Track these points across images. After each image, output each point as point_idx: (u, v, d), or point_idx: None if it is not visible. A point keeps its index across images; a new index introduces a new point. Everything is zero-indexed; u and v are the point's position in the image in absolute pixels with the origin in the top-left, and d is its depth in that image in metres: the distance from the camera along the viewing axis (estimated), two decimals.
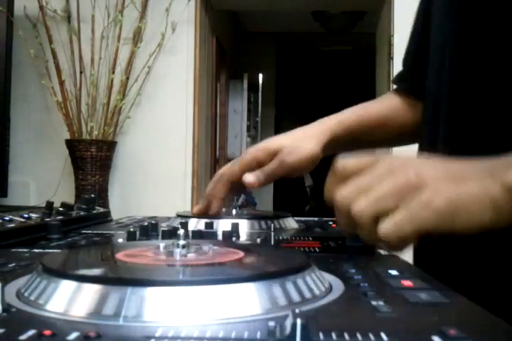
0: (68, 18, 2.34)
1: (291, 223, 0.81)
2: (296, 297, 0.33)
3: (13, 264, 0.46)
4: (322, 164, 0.78)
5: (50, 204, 0.79)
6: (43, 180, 2.46)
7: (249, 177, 0.67)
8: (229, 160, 4.00)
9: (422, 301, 0.34)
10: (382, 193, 0.40)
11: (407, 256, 0.56)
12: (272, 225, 0.63)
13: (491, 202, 0.39)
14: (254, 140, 4.31)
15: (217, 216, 0.70)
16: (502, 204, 0.38)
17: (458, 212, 0.39)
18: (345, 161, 0.44)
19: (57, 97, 2.27)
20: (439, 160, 0.43)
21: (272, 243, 0.61)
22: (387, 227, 0.39)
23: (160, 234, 0.64)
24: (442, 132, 0.60)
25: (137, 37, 2.36)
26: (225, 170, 0.71)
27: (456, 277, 0.51)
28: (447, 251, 0.56)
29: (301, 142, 0.69)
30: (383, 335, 0.27)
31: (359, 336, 0.27)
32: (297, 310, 0.26)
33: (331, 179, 0.44)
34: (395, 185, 0.40)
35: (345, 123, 0.73)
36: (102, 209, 0.96)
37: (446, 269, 0.54)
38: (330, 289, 0.37)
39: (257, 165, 0.69)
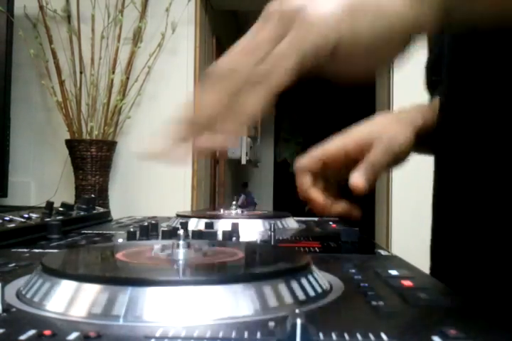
0: (68, 18, 2.34)
1: (291, 223, 0.82)
2: (296, 297, 0.33)
3: (13, 264, 0.46)
4: None
5: (50, 204, 0.79)
6: (43, 180, 2.46)
7: (358, 179, 0.54)
8: (229, 160, 4.01)
9: (422, 301, 0.34)
10: (257, 41, 0.37)
11: (424, 266, 0.52)
12: (272, 225, 0.63)
13: None
14: (254, 140, 4.31)
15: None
16: None
17: (358, 14, 0.34)
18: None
19: (57, 97, 2.27)
20: None
21: (272, 243, 0.61)
22: (260, 69, 0.35)
23: (160, 234, 0.64)
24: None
25: (137, 37, 2.36)
26: (306, 163, 0.60)
27: (475, 286, 0.48)
28: (465, 260, 0.51)
29: (395, 129, 0.59)
30: (383, 335, 0.27)
31: (359, 336, 0.27)
32: (297, 310, 0.26)
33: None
34: (270, 26, 0.36)
35: (427, 119, 0.62)
36: (102, 209, 0.96)
37: (464, 279, 0.50)
38: (330, 289, 0.37)
39: (345, 158, 0.58)
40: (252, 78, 0.35)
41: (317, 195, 0.59)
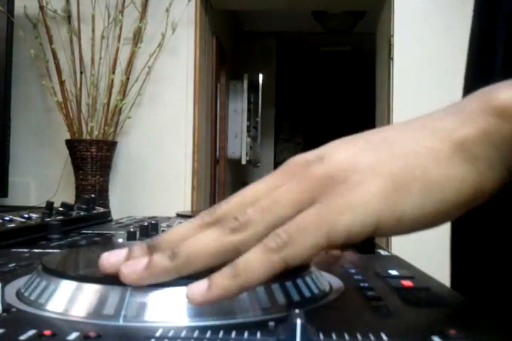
0: (68, 18, 2.34)
1: None
2: (296, 297, 0.33)
3: (13, 264, 0.46)
4: None
5: (50, 204, 0.79)
6: (43, 180, 2.46)
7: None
8: (229, 160, 4.01)
9: (422, 301, 0.34)
10: (278, 197, 0.30)
11: (425, 266, 0.52)
12: None
13: (462, 151, 0.28)
14: (254, 140, 4.31)
15: None
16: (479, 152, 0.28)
17: (404, 194, 0.28)
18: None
19: (58, 97, 2.27)
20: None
21: None
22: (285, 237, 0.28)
23: (160, 234, 0.64)
24: None
25: (137, 37, 2.36)
26: None
27: (497, 299, 0.45)
28: (487, 273, 0.49)
29: None
30: (383, 335, 0.27)
31: (359, 336, 0.27)
32: (297, 310, 0.26)
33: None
34: (300, 185, 0.30)
35: None
36: (102, 209, 0.96)
37: (486, 292, 0.48)
38: (330, 289, 0.37)
39: None
40: (266, 241, 0.29)
41: None
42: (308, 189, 0.29)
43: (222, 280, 0.29)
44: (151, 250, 0.31)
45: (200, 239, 0.30)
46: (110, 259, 0.32)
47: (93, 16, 2.31)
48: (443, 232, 0.57)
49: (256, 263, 0.29)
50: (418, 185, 0.28)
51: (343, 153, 0.30)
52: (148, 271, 0.30)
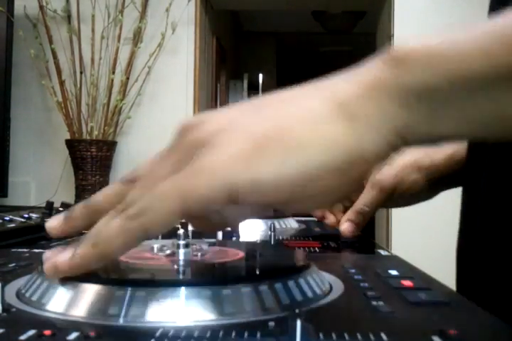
0: (68, 18, 2.34)
1: (291, 223, 0.81)
2: (296, 297, 0.33)
3: (13, 264, 0.46)
4: None
5: (50, 204, 0.79)
6: (43, 180, 2.46)
7: (347, 229, 0.63)
8: None
9: (422, 301, 0.34)
10: (155, 173, 0.30)
11: (425, 266, 0.52)
12: (272, 225, 0.63)
13: (344, 109, 0.25)
14: None
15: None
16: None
17: (267, 156, 0.25)
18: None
19: (58, 97, 2.27)
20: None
21: (272, 243, 0.61)
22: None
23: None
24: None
25: (137, 37, 2.36)
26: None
27: (503, 303, 0.45)
28: (492, 276, 0.49)
29: (388, 171, 0.64)
30: (383, 335, 0.27)
31: (359, 336, 0.27)
32: (297, 310, 0.26)
33: None
34: (172, 155, 0.30)
35: (435, 159, 0.63)
36: None
37: (491, 296, 0.48)
38: (330, 289, 0.37)
39: None
40: (125, 209, 0.29)
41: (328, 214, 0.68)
42: (178, 157, 0.29)
43: (83, 250, 0.30)
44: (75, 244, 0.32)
45: (110, 227, 0.29)
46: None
47: (93, 16, 2.31)
48: (443, 233, 0.57)
49: (114, 231, 0.29)
50: (280, 146, 0.25)
51: (221, 117, 0.29)
52: (72, 260, 0.31)
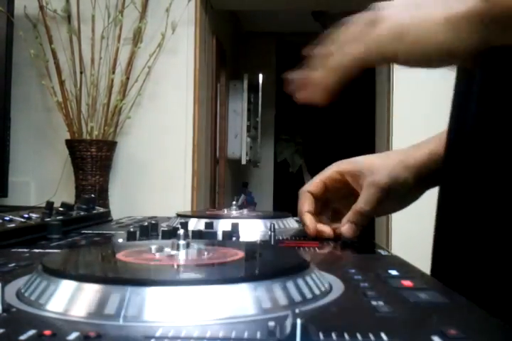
0: (68, 18, 2.34)
1: (291, 223, 0.81)
2: (296, 297, 0.33)
3: (13, 264, 0.46)
4: (322, 163, 0.78)
5: (50, 204, 0.79)
6: (43, 180, 2.46)
7: (348, 230, 0.65)
8: (229, 160, 4.01)
9: (422, 301, 0.34)
10: (344, 39, 0.47)
11: (425, 266, 0.54)
12: (272, 225, 0.63)
13: (447, 20, 0.40)
14: (254, 140, 4.31)
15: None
16: (468, 21, 0.40)
17: (403, 34, 0.42)
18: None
19: (58, 97, 2.27)
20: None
21: (272, 243, 0.61)
22: (333, 60, 0.47)
23: (160, 234, 0.64)
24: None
25: (137, 37, 2.36)
26: (308, 186, 0.70)
27: (476, 288, 0.49)
28: (466, 261, 0.53)
29: (382, 171, 0.66)
30: (383, 335, 0.27)
31: (359, 336, 0.27)
32: (297, 310, 0.26)
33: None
34: (355, 28, 0.47)
35: (418, 157, 0.67)
36: (102, 209, 0.96)
37: (465, 280, 0.51)
38: (330, 289, 0.37)
39: (342, 181, 0.68)
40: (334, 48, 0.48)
41: (309, 220, 0.68)
42: (354, 33, 0.47)
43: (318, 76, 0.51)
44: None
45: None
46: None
47: (93, 16, 2.31)
48: None
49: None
50: (412, 37, 0.42)
51: (385, 12, 0.46)
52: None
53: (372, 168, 0.65)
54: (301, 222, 0.70)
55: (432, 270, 0.61)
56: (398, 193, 0.65)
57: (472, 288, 0.48)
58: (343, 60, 0.47)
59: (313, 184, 0.70)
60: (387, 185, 0.64)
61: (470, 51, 0.41)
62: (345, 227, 0.65)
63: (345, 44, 0.46)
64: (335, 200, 0.72)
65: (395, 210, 0.71)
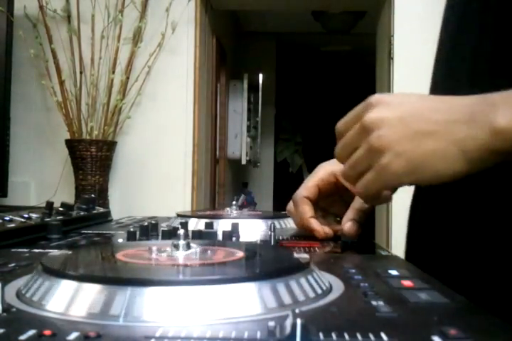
0: (68, 18, 2.34)
1: (291, 223, 0.81)
2: (296, 297, 0.33)
3: (13, 264, 0.46)
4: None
5: (50, 204, 0.79)
6: (43, 180, 2.46)
7: (351, 229, 0.66)
8: (229, 160, 4.01)
9: (422, 301, 0.34)
10: (355, 159, 0.48)
11: (399, 252, 0.57)
12: (272, 225, 0.63)
13: (463, 153, 0.42)
14: (254, 140, 4.31)
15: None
16: (480, 149, 0.41)
17: (420, 169, 0.43)
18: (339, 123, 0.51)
19: (57, 97, 2.27)
20: (409, 113, 0.45)
21: (272, 243, 0.61)
22: (359, 187, 0.48)
23: (160, 234, 0.64)
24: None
25: (137, 37, 2.36)
26: (303, 191, 0.71)
27: (449, 274, 0.51)
28: (439, 247, 0.57)
29: None
30: (383, 335, 0.27)
31: (359, 336, 0.27)
32: (297, 310, 0.26)
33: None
34: (364, 150, 0.46)
35: None
36: (102, 209, 0.96)
37: (438, 266, 0.54)
38: (330, 289, 0.37)
39: (335, 183, 0.69)
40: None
41: (316, 225, 0.68)
42: (368, 155, 0.46)
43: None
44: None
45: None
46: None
47: (93, 16, 2.31)
48: None
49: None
50: (430, 171, 0.44)
51: (389, 132, 0.45)
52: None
53: None
54: (305, 227, 0.70)
55: (406, 254, 0.64)
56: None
57: (444, 272, 0.50)
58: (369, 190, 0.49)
59: (309, 189, 0.70)
60: None
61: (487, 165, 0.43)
62: (348, 226, 0.65)
63: (356, 166, 0.48)
64: (322, 199, 0.72)
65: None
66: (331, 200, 0.71)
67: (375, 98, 0.47)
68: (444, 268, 0.54)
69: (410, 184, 0.47)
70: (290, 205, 0.73)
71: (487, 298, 0.44)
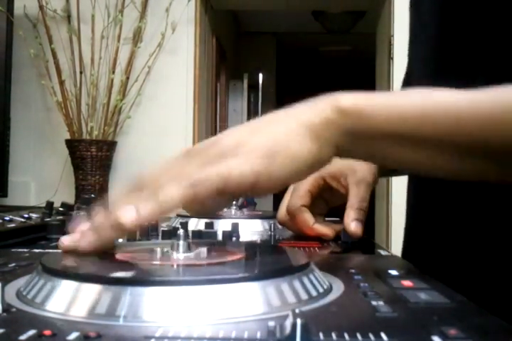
0: (68, 18, 2.34)
1: None
2: (296, 297, 0.33)
3: (13, 264, 0.46)
4: None
5: (50, 204, 0.79)
6: (43, 180, 2.46)
7: (356, 228, 0.65)
8: None
9: (422, 301, 0.34)
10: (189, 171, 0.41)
11: (399, 252, 0.57)
12: (272, 225, 0.63)
13: (311, 131, 0.40)
14: None
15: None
16: (328, 129, 0.41)
17: (275, 153, 0.40)
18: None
19: (57, 97, 2.27)
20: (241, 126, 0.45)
21: (272, 243, 0.61)
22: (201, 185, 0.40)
23: (160, 234, 0.64)
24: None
25: (137, 37, 2.36)
26: (297, 200, 0.69)
27: (445, 273, 0.51)
28: (435, 246, 0.57)
29: (362, 167, 0.68)
30: (383, 335, 0.27)
31: (359, 336, 0.27)
32: (297, 310, 0.26)
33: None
34: (195, 162, 0.41)
35: None
36: None
37: (434, 265, 0.54)
38: (330, 289, 0.37)
39: (324, 185, 0.69)
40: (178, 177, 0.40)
41: (324, 229, 0.68)
42: (206, 162, 0.40)
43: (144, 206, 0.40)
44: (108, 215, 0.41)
45: (142, 207, 0.40)
46: (67, 239, 0.42)
47: (93, 16, 2.31)
48: None
49: (175, 194, 0.40)
50: (282, 155, 0.40)
51: (229, 137, 0.42)
52: (144, 210, 0.40)
53: (353, 167, 0.67)
54: (309, 234, 0.68)
55: (403, 253, 0.65)
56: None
57: (442, 272, 0.50)
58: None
59: (303, 197, 0.69)
60: (372, 180, 0.68)
61: (331, 155, 0.42)
62: (354, 225, 0.65)
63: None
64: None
65: None
66: (313, 202, 0.70)
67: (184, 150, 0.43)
68: (442, 268, 0.54)
69: (264, 183, 0.40)
70: (282, 216, 0.70)
71: (487, 298, 0.44)
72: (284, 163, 0.40)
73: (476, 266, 0.52)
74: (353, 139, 0.41)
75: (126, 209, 0.39)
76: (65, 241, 0.42)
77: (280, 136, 0.41)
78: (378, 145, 0.41)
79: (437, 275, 0.43)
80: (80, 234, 0.42)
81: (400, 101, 0.42)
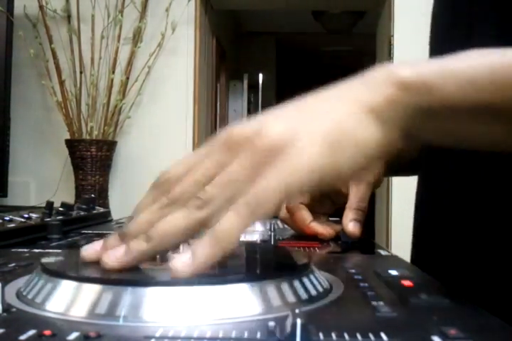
0: (68, 18, 2.34)
1: None
2: (296, 297, 0.33)
3: (13, 264, 0.46)
4: None
5: (50, 204, 0.79)
6: (43, 180, 2.46)
7: (354, 229, 0.64)
8: None
9: (422, 301, 0.34)
10: (234, 174, 0.33)
11: (405, 254, 0.57)
12: (272, 225, 0.63)
13: (374, 113, 0.34)
14: None
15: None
16: (391, 107, 0.34)
17: (338, 146, 0.34)
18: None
19: (57, 97, 2.27)
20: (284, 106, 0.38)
21: (272, 243, 0.61)
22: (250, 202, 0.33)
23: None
24: None
25: (137, 37, 2.36)
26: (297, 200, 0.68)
27: (455, 276, 0.51)
28: (446, 249, 0.56)
29: None
30: (383, 335, 0.27)
31: (359, 336, 0.27)
32: (297, 310, 0.26)
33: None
34: (249, 160, 0.34)
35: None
36: (102, 209, 0.96)
37: (444, 268, 0.54)
38: (330, 289, 0.37)
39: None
40: (202, 204, 0.33)
41: (321, 228, 0.67)
42: (258, 162, 0.33)
43: (201, 250, 0.33)
44: (125, 238, 0.35)
45: (170, 221, 0.34)
46: (89, 250, 0.36)
47: (93, 16, 2.31)
48: None
49: (230, 222, 0.33)
50: (349, 144, 0.34)
51: (278, 124, 0.35)
52: (128, 255, 0.34)
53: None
54: (307, 232, 0.69)
55: (412, 258, 0.64)
56: (378, 184, 0.70)
57: (451, 275, 0.50)
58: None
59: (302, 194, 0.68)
60: (374, 180, 0.68)
61: (397, 141, 0.36)
62: (351, 225, 0.65)
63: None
64: (312, 202, 0.72)
65: None
66: (320, 201, 0.70)
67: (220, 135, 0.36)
68: (450, 271, 0.53)
69: (327, 178, 0.35)
70: (284, 213, 0.71)
71: (487, 297, 0.44)
72: (352, 153, 0.34)
73: (484, 266, 0.51)
74: (422, 118, 0.35)
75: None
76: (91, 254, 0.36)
77: (342, 122, 0.35)
78: (451, 122, 0.35)
79: (448, 278, 0.42)
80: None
81: (463, 65, 0.35)
